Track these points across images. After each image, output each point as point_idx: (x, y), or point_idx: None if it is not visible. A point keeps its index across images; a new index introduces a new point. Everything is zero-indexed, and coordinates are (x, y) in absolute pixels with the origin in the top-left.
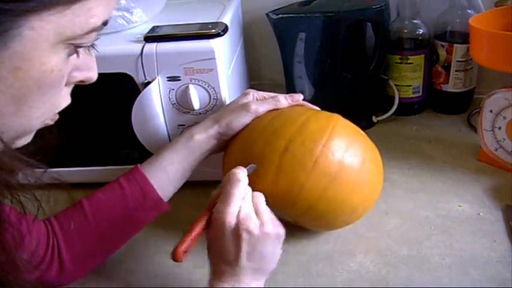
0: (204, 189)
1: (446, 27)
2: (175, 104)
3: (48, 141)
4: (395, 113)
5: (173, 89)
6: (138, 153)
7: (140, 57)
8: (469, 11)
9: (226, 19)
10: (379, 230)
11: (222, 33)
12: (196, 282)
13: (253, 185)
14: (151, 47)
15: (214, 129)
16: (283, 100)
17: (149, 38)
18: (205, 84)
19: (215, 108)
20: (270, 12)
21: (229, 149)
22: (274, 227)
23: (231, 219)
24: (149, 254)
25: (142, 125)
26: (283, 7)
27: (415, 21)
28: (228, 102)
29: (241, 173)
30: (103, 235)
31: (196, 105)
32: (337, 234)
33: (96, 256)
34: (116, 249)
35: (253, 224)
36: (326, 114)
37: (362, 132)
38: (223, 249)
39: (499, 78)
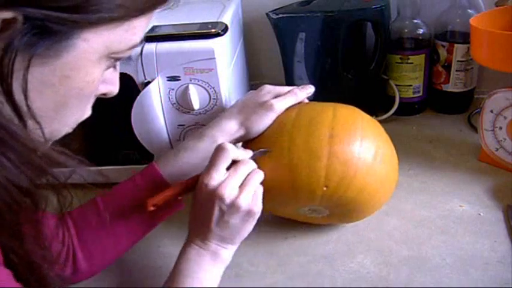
0: None
1: (447, 27)
2: (175, 104)
3: (78, 145)
4: (395, 113)
5: (173, 89)
6: (138, 153)
7: (140, 57)
8: (470, 10)
9: (226, 19)
10: (379, 230)
11: (221, 33)
12: None
13: (305, 176)
14: (151, 46)
15: (239, 132)
16: (301, 93)
17: (149, 38)
18: (205, 84)
19: (215, 108)
20: (270, 12)
21: (262, 157)
22: (248, 203)
23: (208, 181)
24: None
25: (141, 125)
26: (283, 7)
27: (415, 21)
28: (227, 102)
29: (229, 144)
30: (117, 234)
31: (196, 105)
32: (337, 235)
33: (110, 254)
34: (129, 247)
35: (228, 193)
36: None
37: (379, 124)
38: (199, 211)
39: (499, 78)
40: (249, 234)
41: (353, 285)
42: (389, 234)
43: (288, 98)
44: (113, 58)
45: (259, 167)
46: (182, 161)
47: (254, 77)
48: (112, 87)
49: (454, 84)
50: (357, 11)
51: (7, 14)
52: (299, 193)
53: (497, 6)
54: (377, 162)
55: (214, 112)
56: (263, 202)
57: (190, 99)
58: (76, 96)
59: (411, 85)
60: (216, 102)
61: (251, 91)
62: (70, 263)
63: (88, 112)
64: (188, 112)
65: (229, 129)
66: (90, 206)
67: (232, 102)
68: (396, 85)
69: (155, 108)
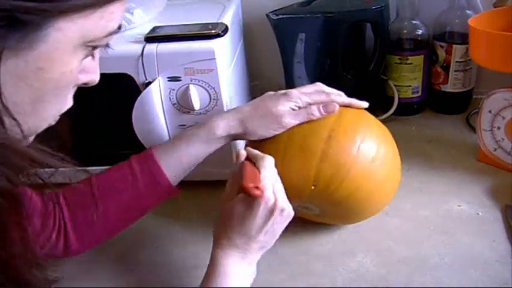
0: (206, 190)
1: (446, 27)
2: (175, 104)
3: (63, 141)
4: (394, 113)
5: (173, 90)
6: (138, 153)
7: (140, 57)
8: (468, 11)
9: (227, 20)
10: (379, 230)
11: (222, 33)
12: None
13: (295, 172)
14: (152, 47)
15: (238, 130)
16: (317, 113)
17: (150, 39)
18: (205, 85)
19: (215, 108)
20: (270, 12)
21: (260, 147)
22: (292, 209)
23: (270, 195)
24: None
25: (142, 125)
26: (283, 8)
27: (414, 21)
28: (228, 102)
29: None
30: (109, 215)
31: (197, 105)
32: (337, 235)
33: (100, 236)
34: (120, 230)
35: (286, 205)
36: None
37: (385, 127)
38: (248, 221)
39: (498, 78)
40: None
41: (352, 285)
42: (388, 234)
43: (301, 115)
44: (90, 46)
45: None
46: (180, 148)
47: (254, 77)
48: (93, 76)
49: (452, 85)
50: (357, 11)
51: None
52: (288, 189)
53: (495, 7)
54: (375, 165)
55: (215, 112)
56: None
57: (190, 99)
58: (53, 88)
59: (410, 85)
60: (216, 102)
61: (272, 93)
62: (62, 241)
63: (69, 102)
64: (189, 112)
65: (228, 123)
66: (83, 185)
67: (233, 103)
68: (396, 85)
69: (156, 108)
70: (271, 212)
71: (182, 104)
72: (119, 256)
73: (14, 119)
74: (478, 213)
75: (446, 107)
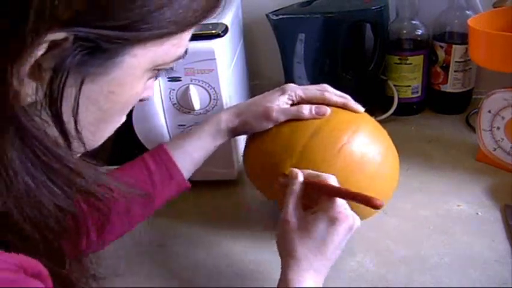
0: (206, 190)
1: (445, 28)
2: (175, 104)
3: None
4: (394, 113)
5: (173, 90)
6: (139, 152)
7: None
8: (468, 11)
9: (227, 20)
10: (379, 230)
11: (222, 34)
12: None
13: (276, 167)
14: None
15: (234, 123)
16: (307, 112)
17: None
18: (205, 85)
19: (215, 108)
20: (270, 13)
21: (253, 138)
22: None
23: (349, 214)
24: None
25: (142, 125)
26: (283, 8)
27: (414, 22)
28: (228, 102)
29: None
30: (128, 212)
31: (197, 105)
32: None
33: (119, 232)
34: (135, 225)
35: (356, 220)
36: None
37: (384, 130)
38: (330, 242)
39: (497, 78)
40: (249, 233)
41: (352, 285)
42: (388, 234)
43: (290, 112)
44: (156, 70)
45: (255, 146)
46: (191, 143)
47: (254, 77)
48: (150, 93)
49: (452, 85)
50: (357, 12)
51: (58, 35)
52: (267, 178)
53: (495, 7)
54: (364, 164)
55: (215, 112)
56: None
57: (190, 99)
58: (119, 110)
59: (409, 85)
60: (217, 102)
61: (276, 88)
62: (84, 238)
63: (123, 118)
64: (189, 112)
65: (229, 117)
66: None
67: (233, 103)
68: (395, 85)
69: (156, 108)
70: (349, 230)
71: (182, 104)
72: (121, 256)
73: (83, 143)
74: (477, 213)
75: (445, 107)
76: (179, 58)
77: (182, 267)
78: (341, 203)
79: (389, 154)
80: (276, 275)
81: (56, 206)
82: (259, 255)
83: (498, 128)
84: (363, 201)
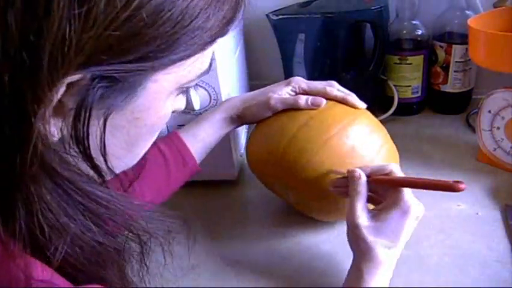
0: (206, 190)
1: (445, 28)
2: None
3: None
4: (394, 113)
5: None
6: None
7: None
8: (468, 12)
9: None
10: None
11: None
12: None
13: (268, 154)
14: None
15: (239, 111)
16: (303, 102)
17: None
18: (205, 85)
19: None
20: (270, 13)
21: (255, 127)
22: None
23: (418, 205)
24: None
25: None
26: (283, 8)
27: (414, 22)
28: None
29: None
30: (144, 199)
31: (197, 105)
32: (337, 234)
33: None
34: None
35: (423, 211)
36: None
37: (384, 129)
38: (400, 234)
39: (497, 78)
40: (249, 233)
41: None
42: None
43: (289, 103)
44: (182, 88)
45: (255, 133)
46: (203, 129)
47: (254, 77)
48: (180, 105)
49: (452, 85)
50: (357, 12)
51: (74, 77)
52: (264, 165)
53: (495, 7)
54: (355, 156)
55: None
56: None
57: (190, 99)
58: (148, 132)
59: (410, 85)
60: (216, 102)
61: (283, 80)
62: None
63: (155, 137)
64: (189, 112)
65: (235, 104)
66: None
67: None
68: (395, 85)
69: None
70: (417, 218)
71: None
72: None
73: (116, 174)
74: (477, 213)
75: (445, 107)
76: (204, 73)
77: (181, 267)
78: (408, 193)
79: (384, 152)
80: (276, 275)
81: (95, 241)
82: (258, 255)
83: (498, 128)
84: (445, 188)
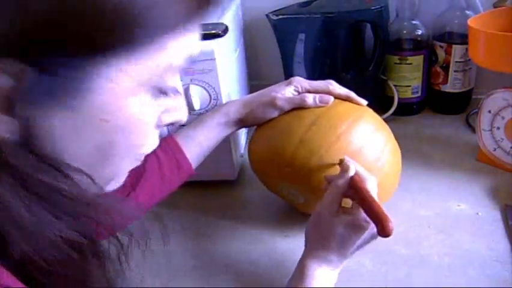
0: (205, 190)
1: (445, 28)
2: None
3: None
4: (394, 113)
5: None
6: None
7: None
8: (468, 11)
9: (227, 20)
10: None
11: (222, 34)
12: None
13: (274, 156)
14: None
15: (242, 114)
16: (310, 100)
17: None
18: (205, 85)
19: (215, 108)
20: (270, 13)
21: (257, 128)
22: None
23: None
24: None
25: None
26: (283, 8)
27: (414, 22)
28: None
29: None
30: (138, 201)
31: (197, 105)
32: None
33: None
34: (144, 212)
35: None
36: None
37: (387, 126)
38: (351, 244)
39: (497, 78)
40: (249, 233)
41: (352, 284)
42: None
43: (294, 100)
44: (154, 87)
45: (259, 135)
46: (201, 133)
47: (254, 77)
48: (179, 115)
49: (452, 85)
50: (357, 12)
51: (14, 67)
52: (268, 167)
53: (495, 7)
54: (362, 154)
55: None
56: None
57: (190, 99)
58: (121, 137)
59: (410, 85)
60: (217, 102)
61: (283, 81)
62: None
63: (154, 143)
64: (189, 112)
65: (236, 108)
66: None
67: None
68: (395, 85)
69: None
70: (373, 237)
71: None
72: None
73: (88, 175)
74: (477, 213)
75: (445, 107)
76: (171, 70)
77: (181, 267)
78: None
79: (388, 150)
80: (275, 275)
81: (61, 237)
82: (258, 256)
83: (498, 128)
84: (374, 220)
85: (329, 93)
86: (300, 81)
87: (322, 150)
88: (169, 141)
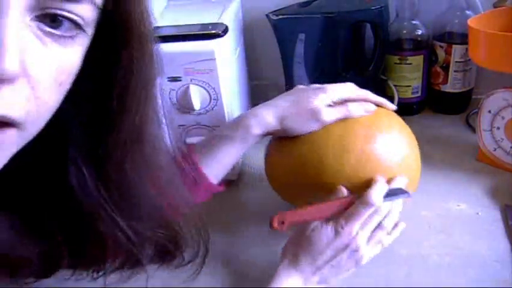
0: None
1: (445, 28)
2: (175, 104)
3: None
4: None
5: (173, 90)
6: None
7: None
8: (468, 11)
9: (227, 20)
10: None
11: (222, 34)
12: None
13: (336, 172)
14: None
15: (275, 127)
16: (358, 111)
17: None
18: (205, 85)
19: (215, 108)
20: (270, 13)
21: (293, 143)
22: (365, 255)
23: (351, 231)
24: None
25: None
26: (283, 8)
27: (414, 22)
28: (228, 102)
29: (374, 195)
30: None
31: (197, 105)
32: None
33: None
34: None
35: (362, 247)
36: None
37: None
38: (320, 247)
39: (497, 78)
40: (249, 233)
41: (352, 284)
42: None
43: (340, 111)
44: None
45: (286, 152)
46: (220, 150)
47: (254, 77)
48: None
49: (452, 85)
50: (357, 12)
51: None
52: (323, 186)
53: (495, 7)
54: (402, 168)
55: (214, 112)
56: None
57: (190, 99)
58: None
59: (410, 85)
60: (217, 102)
61: (304, 87)
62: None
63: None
64: (189, 112)
65: (266, 121)
66: None
67: (233, 103)
68: (395, 85)
69: None
70: (345, 246)
71: (182, 104)
72: None
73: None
74: (477, 213)
75: (445, 107)
76: None
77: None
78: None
79: (413, 158)
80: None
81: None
82: (258, 256)
83: (498, 128)
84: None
85: (367, 100)
86: (334, 91)
87: (393, 168)
88: (188, 159)
